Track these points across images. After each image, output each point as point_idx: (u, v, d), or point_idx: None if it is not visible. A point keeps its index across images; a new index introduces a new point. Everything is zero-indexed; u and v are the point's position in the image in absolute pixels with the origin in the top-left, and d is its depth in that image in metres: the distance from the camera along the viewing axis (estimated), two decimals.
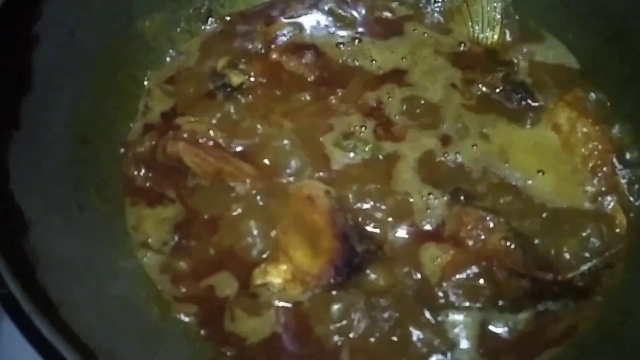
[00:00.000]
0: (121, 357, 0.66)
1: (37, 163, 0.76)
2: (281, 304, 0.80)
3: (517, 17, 1.01)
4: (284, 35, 1.01)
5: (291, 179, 0.87)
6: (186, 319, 0.80)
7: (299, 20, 1.03)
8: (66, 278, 0.70)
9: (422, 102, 0.94)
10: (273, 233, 0.83)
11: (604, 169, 0.88)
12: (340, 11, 1.03)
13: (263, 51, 0.99)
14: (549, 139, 0.91)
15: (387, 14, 1.03)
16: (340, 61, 0.98)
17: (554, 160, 0.89)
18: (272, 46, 1.00)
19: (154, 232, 0.86)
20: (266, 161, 0.89)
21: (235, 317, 0.79)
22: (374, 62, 0.98)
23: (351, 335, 0.77)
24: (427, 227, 0.84)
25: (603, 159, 0.88)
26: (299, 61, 0.97)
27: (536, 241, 0.82)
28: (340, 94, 0.94)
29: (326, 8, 1.03)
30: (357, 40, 1.00)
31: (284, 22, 1.03)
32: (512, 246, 0.80)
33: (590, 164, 0.88)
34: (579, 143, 0.89)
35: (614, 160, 0.89)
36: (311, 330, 0.78)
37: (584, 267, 0.81)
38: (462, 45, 1.00)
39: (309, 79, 0.96)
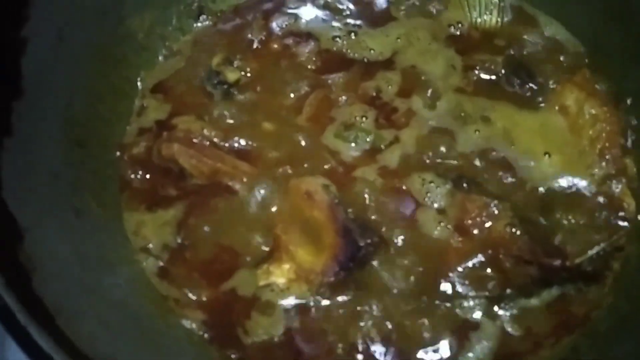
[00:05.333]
0: None
1: (30, 170, 0.75)
2: (286, 303, 0.78)
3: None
4: (279, 27, 0.99)
5: (290, 173, 0.85)
6: (190, 325, 0.79)
7: (295, 11, 1.00)
8: (64, 286, 0.69)
9: (422, 77, 0.92)
10: (273, 231, 0.82)
11: (612, 151, 0.85)
12: (336, 4, 1.01)
13: (264, 38, 0.98)
14: (555, 122, 0.88)
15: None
16: (336, 49, 0.96)
17: (561, 142, 0.87)
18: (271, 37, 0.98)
19: (155, 237, 0.84)
20: (265, 158, 0.87)
21: (241, 320, 0.78)
22: (372, 51, 0.96)
23: (361, 325, 0.77)
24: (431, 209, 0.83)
25: (611, 140, 0.86)
26: (304, 47, 0.96)
27: (541, 223, 0.81)
28: (339, 84, 0.93)
29: (321, 1, 1.01)
30: (353, 34, 0.97)
31: (282, 12, 1.00)
32: (518, 232, 0.79)
33: (599, 146, 0.86)
34: (586, 125, 0.86)
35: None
36: (319, 329, 0.77)
37: (592, 252, 0.79)
38: (459, 25, 0.97)
39: (309, 67, 0.95)
